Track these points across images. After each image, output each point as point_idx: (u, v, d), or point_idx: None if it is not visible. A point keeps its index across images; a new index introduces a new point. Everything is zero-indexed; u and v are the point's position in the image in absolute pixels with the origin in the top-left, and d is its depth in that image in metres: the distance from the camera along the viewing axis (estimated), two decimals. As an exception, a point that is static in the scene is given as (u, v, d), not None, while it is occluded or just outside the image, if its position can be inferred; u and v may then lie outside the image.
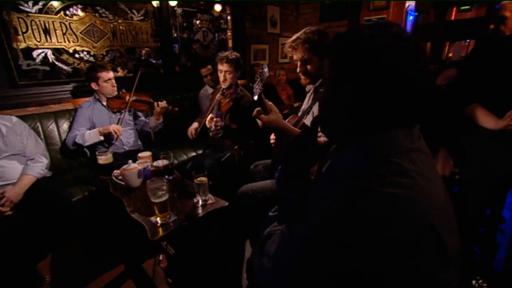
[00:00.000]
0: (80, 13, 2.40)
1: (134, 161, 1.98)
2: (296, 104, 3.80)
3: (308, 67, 1.42)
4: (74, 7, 2.36)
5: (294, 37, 1.43)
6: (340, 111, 0.57)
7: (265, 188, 1.57)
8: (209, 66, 2.86)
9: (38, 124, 2.09)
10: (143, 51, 2.91)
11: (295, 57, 1.46)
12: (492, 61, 1.46)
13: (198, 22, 3.31)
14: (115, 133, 1.98)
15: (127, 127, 2.25)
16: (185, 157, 2.54)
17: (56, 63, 2.37)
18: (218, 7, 3.42)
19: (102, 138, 2.02)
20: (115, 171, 1.65)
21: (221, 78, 2.10)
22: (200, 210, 1.30)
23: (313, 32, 1.39)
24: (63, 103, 2.41)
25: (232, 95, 2.02)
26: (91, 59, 2.53)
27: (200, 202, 1.34)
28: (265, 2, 3.99)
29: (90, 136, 1.99)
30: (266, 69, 1.34)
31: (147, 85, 2.31)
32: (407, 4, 3.33)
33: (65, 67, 2.41)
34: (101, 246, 1.90)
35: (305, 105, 1.70)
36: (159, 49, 2.98)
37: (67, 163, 2.20)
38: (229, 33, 3.89)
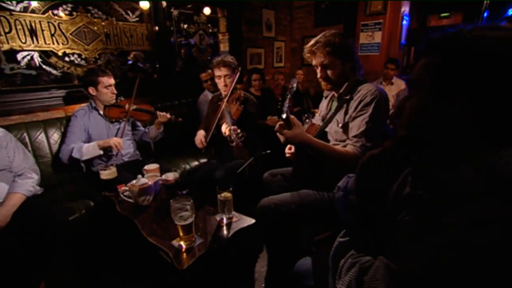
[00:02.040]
0: (68, 12, 2.20)
1: (133, 173, 1.82)
2: (295, 109, 3.73)
3: (329, 72, 1.34)
4: (64, 6, 2.16)
5: (313, 41, 1.35)
6: (453, 127, 0.48)
7: (288, 202, 1.47)
8: (209, 71, 2.73)
9: (25, 134, 1.87)
10: (131, 55, 2.74)
11: (314, 62, 1.38)
12: None
13: (194, 26, 3.17)
14: (116, 147, 1.81)
15: (126, 138, 2.07)
16: (188, 166, 2.38)
17: (44, 66, 2.15)
18: (207, 10, 3.25)
19: (101, 152, 1.83)
20: (122, 187, 1.49)
21: (222, 84, 1.97)
22: (225, 230, 1.17)
23: (333, 35, 1.31)
24: (51, 111, 2.19)
25: (239, 99, 1.91)
26: (83, 62, 2.32)
27: (225, 221, 1.21)
28: (260, 5, 3.92)
29: (88, 150, 1.80)
30: (295, 84, 1.27)
31: (140, 90, 2.10)
32: (402, 9, 3.38)
33: (53, 71, 2.20)
34: (102, 272, 1.71)
35: (323, 112, 1.61)
36: (152, 52, 2.81)
37: (59, 178, 1.98)
38: (220, 37, 3.78)
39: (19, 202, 1.50)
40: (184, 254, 1.02)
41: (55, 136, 1.99)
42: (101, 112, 1.98)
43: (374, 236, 0.67)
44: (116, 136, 2.02)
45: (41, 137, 1.93)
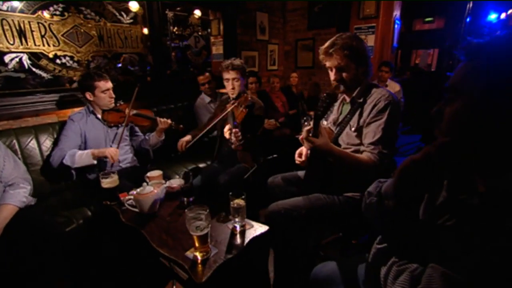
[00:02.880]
0: (59, 12, 2.10)
1: (132, 180, 1.74)
2: (291, 112, 3.73)
3: (344, 74, 1.33)
4: (55, 6, 2.05)
5: (328, 43, 1.34)
6: (500, 131, 0.47)
7: (298, 206, 1.44)
8: (207, 74, 2.68)
9: (15, 141, 1.76)
10: (121, 58, 2.65)
11: (328, 64, 1.36)
12: None
13: (188, 28, 3.11)
14: (112, 158, 1.71)
15: (123, 143, 1.98)
16: (186, 171, 2.32)
17: (33, 69, 2.04)
18: (197, 13, 3.19)
19: (95, 162, 1.73)
20: (125, 196, 1.41)
21: (230, 87, 1.94)
22: (240, 239, 1.13)
23: (350, 38, 1.31)
24: (42, 116, 2.07)
25: (245, 102, 1.88)
26: (75, 65, 2.22)
27: (238, 228, 1.17)
28: (255, 8, 3.91)
29: (81, 158, 1.70)
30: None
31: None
32: (394, 13, 3.45)
33: (44, 74, 2.09)
34: (102, 284, 1.62)
35: (334, 116, 1.60)
36: (147, 55, 2.73)
37: (51, 186, 1.87)
38: (212, 39, 3.74)
39: (11, 214, 1.39)
40: (200, 266, 0.96)
41: (47, 142, 1.87)
42: (99, 116, 1.89)
43: (413, 241, 0.65)
44: (113, 141, 1.94)
45: (32, 143, 1.81)
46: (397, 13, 3.54)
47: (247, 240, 1.11)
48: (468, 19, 5.42)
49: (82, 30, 2.22)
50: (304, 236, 1.65)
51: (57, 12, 2.08)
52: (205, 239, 0.99)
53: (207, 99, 2.76)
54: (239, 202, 1.16)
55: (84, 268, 1.61)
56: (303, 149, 1.54)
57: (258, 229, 1.19)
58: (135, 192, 1.30)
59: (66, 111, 2.18)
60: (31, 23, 1.97)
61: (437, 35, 7.45)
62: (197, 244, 0.97)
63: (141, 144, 2.12)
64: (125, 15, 2.47)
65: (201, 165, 2.43)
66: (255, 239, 1.13)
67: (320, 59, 1.39)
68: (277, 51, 4.52)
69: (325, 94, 1.17)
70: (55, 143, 1.82)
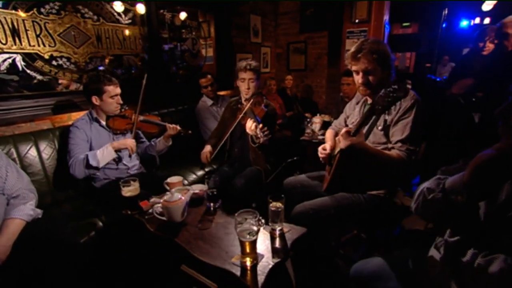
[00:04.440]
0: (56, 11, 1.96)
1: (142, 187, 1.63)
2: (288, 114, 3.75)
3: (371, 78, 1.36)
4: (51, 4, 1.92)
5: (355, 47, 1.36)
6: None
7: (326, 206, 1.45)
8: (209, 76, 2.63)
9: (13, 149, 1.61)
10: (106, 60, 2.53)
11: (355, 68, 1.39)
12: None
13: (186, 30, 3.04)
14: (131, 149, 1.70)
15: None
16: (195, 176, 2.25)
17: (28, 71, 1.89)
18: (183, 15, 3.03)
19: (116, 155, 1.72)
20: (147, 204, 1.33)
21: (245, 87, 1.93)
22: (281, 242, 1.10)
23: (376, 43, 1.34)
24: (36, 122, 1.92)
25: (262, 101, 1.87)
26: (72, 67, 2.09)
27: (278, 232, 1.14)
28: (248, 11, 3.91)
29: (103, 155, 1.63)
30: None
31: (131, 96, 1.91)
32: (384, 18, 3.60)
33: (39, 77, 1.94)
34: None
35: (356, 117, 1.59)
36: (145, 57, 2.63)
37: (53, 197, 1.74)
38: (202, 42, 3.67)
39: (19, 229, 1.27)
40: (251, 273, 0.93)
41: (48, 150, 1.73)
42: (103, 123, 1.78)
43: (489, 233, 0.67)
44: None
45: (32, 151, 1.67)
46: (386, 17, 3.69)
47: (289, 242, 1.09)
48: (444, 25, 5.77)
49: (79, 30, 2.09)
50: (327, 235, 1.66)
51: (53, 11, 1.94)
52: (255, 245, 0.95)
53: (209, 101, 2.70)
54: (279, 204, 1.13)
55: (100, 280, 1.50)
56: (327, 145, 1.55)
57: (296, 231, 1.17)
58: (161, 200, 1.23)
59: (61, 116, 2.04)
60: (25, 21, 1.82)
61: (414, 39, 7.88)
62: (248, 250, 0.94)
63: (147, 150, 2.03)
64: (123, 15, 2.36)
65: (207, 169, 2.37)
66: (296, 241, 1.11)
67: (345, 63, 1.42)
68: (269, 54, 4.55)
69: (390, 89, 1.08)
70: (68, 155, 1.64)
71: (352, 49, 1.35)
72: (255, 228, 0.93)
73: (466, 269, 0.66)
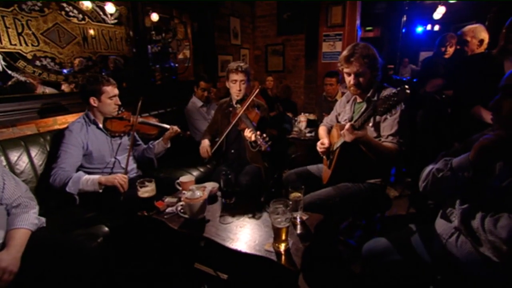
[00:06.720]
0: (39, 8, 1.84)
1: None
2: (272, 114, 3.86)
3: (361, 79, 1.51)
4: (33, 0, 1.80)
5: (347, 52, 1.50)
6: None
7: (331, 195, 1.56)
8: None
9: (2, 157, 1.48)
10: (75, 62, 2.44)
11: (347, 70, 1.52)
12: (479, 72, 1.82)
13: (170, 32, 2.99)
14: (122, 187, 1.50)
15: (126, 154, 1.82)
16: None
17: (9, 71, 1.75)
18: (154, 16, 2.92)
19: (100, 190, 1.53)
20: (162, 205, 1.33)
21: (236, 88, 1.96)
22: (304, 229, 1.18)
23: (365, 47, 1.49)
24: (19, 126, 1.79)
25: (253, 103, 1.93)
26: (57, 68, 1.97)
27: (298, 220, 1.22)
28: (228, 13, 3.96)
29: (87, 185, 1.51)
30: None
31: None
32: (357, 22, 3.88)
33: (21, 78, 1.81)
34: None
35: (348, 114, 1.73)
36: (131, 58, 2.55)
37: (48, 205, 1.62)
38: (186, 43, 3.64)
39: (26, 239, 1.20)
40: (287, 257, 1.00)
41: (39, 156, 1.62)
42: (101, 126, 1.71)
43: (493, 198, 0.83)
44: (117, 152, 1.78)
45: (24, 158, 1.55)
46: (358, 22, 3.99)
47: (311, 227, 1.18)
48: (403, 30, 6.34)
49: (64, 29, 1.98)
50: (331, 223, 1.78)
51: (36, 8, 1.82)
52: (288, 231, 1.02)
53: (199, 103, 2.71)
54: (297, 194, 1.21)
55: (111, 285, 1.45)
56: (325, 140, 1.67)
57: (314, 218, 1.26)
58: (182, 198, 1.25)
59: (46, 120, 1.92)
60: (5, 18, 1.69)
61: (377, 42, 8.54)
62: (283, 237, 1.00)
63: (144, 153, 1.98)
64: (109, 15, 2.28)
65: (202, 169, 2.38)
66: (317, 226, 1.20)
67: (338, 66, 1.55)
68: (248, 56, 4.63)
69: (394, 92, 1.12)
70: (52, 159, 1.57)
71: (345, 53, 1.49)
72: (289, 215, 1.00)
73: (480, 227, 0.81)
